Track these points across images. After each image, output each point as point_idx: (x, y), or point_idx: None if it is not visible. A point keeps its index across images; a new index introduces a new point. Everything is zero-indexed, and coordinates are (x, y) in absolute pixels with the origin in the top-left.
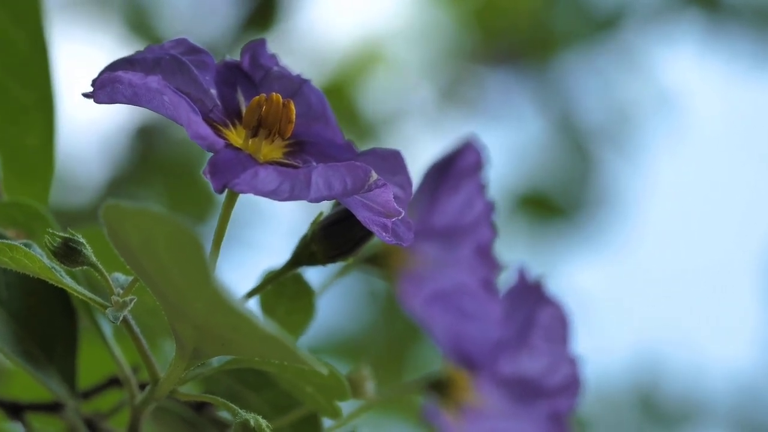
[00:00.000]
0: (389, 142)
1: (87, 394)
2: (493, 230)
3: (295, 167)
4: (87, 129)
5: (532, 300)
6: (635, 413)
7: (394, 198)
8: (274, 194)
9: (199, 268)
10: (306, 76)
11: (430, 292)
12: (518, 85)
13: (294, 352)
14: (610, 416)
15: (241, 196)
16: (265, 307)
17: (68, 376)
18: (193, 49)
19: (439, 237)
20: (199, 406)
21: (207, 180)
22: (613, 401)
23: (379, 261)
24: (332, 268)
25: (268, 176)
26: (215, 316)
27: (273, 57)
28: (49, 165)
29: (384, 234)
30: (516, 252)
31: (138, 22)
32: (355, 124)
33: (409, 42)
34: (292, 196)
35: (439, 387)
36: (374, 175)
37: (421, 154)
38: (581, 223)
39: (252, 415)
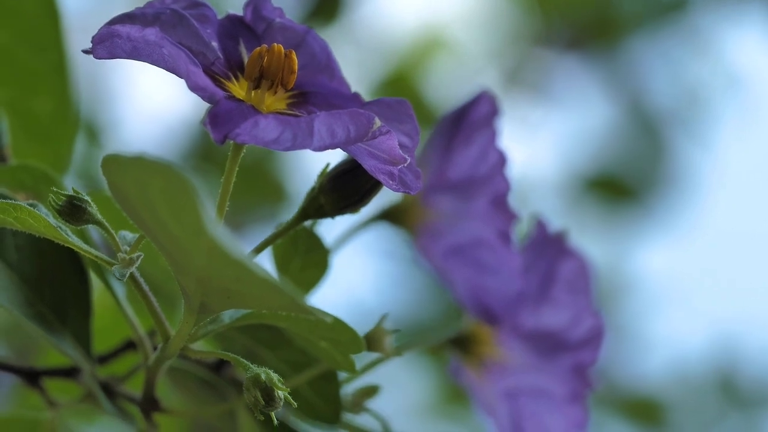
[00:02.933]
0: None
1: (104, 359)
2: (508, 181)
3: (300, 116)
4: (153, 119)
5: (553, 253)
6: (715, 396)
7: (401, 146)
8: (277, 143)
9: (195, 216)
10: (309, 26)
11: (447, 246)
12: (585, 69)
13: (294, 299)
14: (690, 399)
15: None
16: (279, 262)
17: (83, 340)
18: (194, 3)
19: (454, 190)
20: (218, 367)
21: (207, 130)
22: (692, 384)
23: (395, 217)
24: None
25: (268, 125)
26: (215, 265)
27: (276, 9)
28: (67, 128)
29: (391, 182)
30: (586, 234)
31: None
32: (421, 110)
33: (472, 27)
34: (295, 145)
35: (461, 343)
36: (378, 122)
37: None
38: (652, 205)
39: (263, 369)
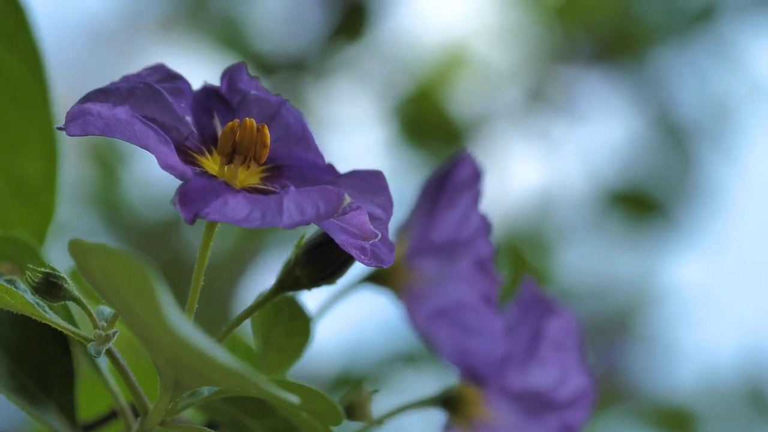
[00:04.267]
0: (479, 145)
1: (89, 428)
2: (491, 244)
3: (273, 192)
4: None
5: (539, 312)
6: (746, 406)
7: (374, 219)
8: (246, 221)
9: (154, 304)
10: (283, 97)
11: (432, 308)
12: (609, 82)
13: (258, 385)
14: (720, 410)
15: None
16: (261, 330)
17: (67, 410)
18: (169, 76)
19: (438, 253)
20: None
21: (177, 210)
22: (723, 395)
23: (381, 279)
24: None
25: (238, 204)
26: (179, 349)
27: (252, 81)
28: (52, 192)
29: (363, 257)
30: (614, 247)
31: (230, 36)
32: (445, 127)
33: (495, 44)
34: (264, 223)
35: (450, 403)
36: (348, 199)
37: (511, 156)
38: (680, 217)
39: None
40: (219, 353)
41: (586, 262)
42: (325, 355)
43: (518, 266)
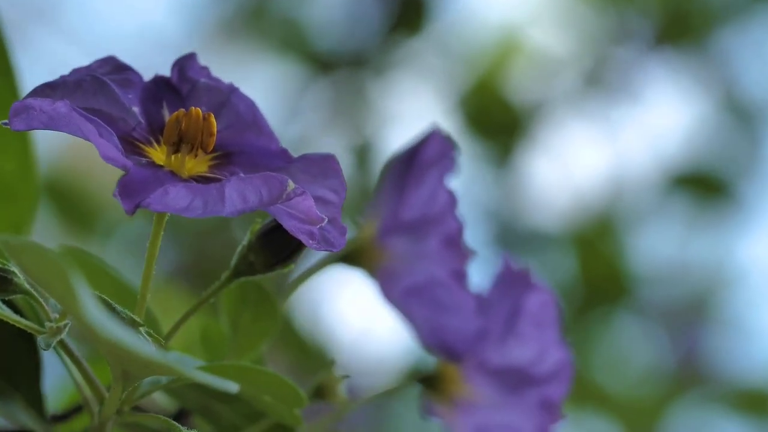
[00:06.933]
0: (539, 132)
1: (59, 418)
2: (459, 220)
3: (219, 180)
4: None
5: (518, 287)
6: None
7: (326, 203)
8: (188, 211)
9: (72, 297)
10: (235, 84)
11: (404, 286)
12: (671, 64)
13: (182, 372)
14: None
15: None
16: (230, 315)
17: (35, 402)
18: (119, 67)
19: (408, 231)
20: (178, 417)
21: (117, 201)
22: None
23: (352, 259)
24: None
25: (178, 194)
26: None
27: (203, 69)
28: (31, 187)
29: (311, 241)
30: (684, 233)
31: (289, 37)
32: (507, 116)
33: (551, 29)
34: (206, 212)
35: (429, 382)
36: (291, 184)
37: (574, 142)
38: (748, 198)
39: None
40: (140, 346)
41: (657, 247)
42: (400, 347)
43: (588, 254)
